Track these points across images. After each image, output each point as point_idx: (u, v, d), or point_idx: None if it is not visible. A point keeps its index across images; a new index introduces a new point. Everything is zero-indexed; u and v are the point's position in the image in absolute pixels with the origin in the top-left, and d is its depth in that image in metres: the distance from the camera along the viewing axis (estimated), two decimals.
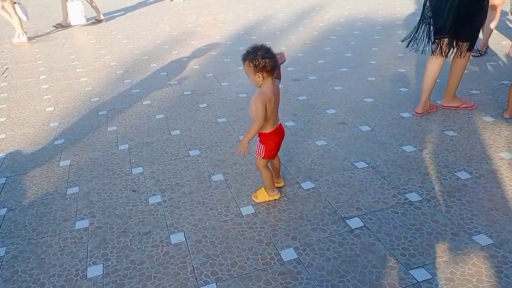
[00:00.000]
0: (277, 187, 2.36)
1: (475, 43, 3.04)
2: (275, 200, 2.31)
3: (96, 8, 7.18)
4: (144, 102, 3.85)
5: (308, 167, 2.62)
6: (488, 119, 3.07)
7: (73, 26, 7.07)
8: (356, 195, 2.32)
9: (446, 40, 2.93)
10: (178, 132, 3.22)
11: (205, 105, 3.70)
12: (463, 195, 2.26)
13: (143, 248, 2.05)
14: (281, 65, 2.15)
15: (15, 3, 6.09)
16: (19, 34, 6.25)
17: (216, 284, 1.81)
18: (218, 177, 2.59)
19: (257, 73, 1.97)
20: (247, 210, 2.27)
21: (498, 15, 4.22)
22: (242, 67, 2.14)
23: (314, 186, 2.43)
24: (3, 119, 3.69)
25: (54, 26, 7.12)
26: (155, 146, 3.04)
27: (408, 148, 2.75)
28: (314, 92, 3.79)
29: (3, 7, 6.00)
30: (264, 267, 1.88)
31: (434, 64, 3.06)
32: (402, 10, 6.71)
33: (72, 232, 2.20)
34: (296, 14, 7.03)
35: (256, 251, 1.97)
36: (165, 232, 2.15)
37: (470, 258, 1.84)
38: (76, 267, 1.96)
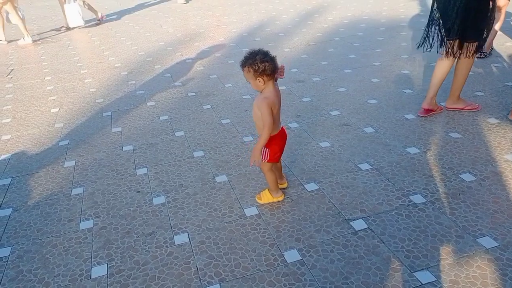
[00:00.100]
0: (280, 189, 2.36)
1: (483, 44, 3.03)
2: (278, 201, 2.32)
3: (92, 9, 7.22)
4: (149, 104, 3.86)
5: (312, 168, 2.63)
6: (493, 121, 3.06)
7: (72, 28, 7.10)
8: (360, 197, 2.32)
9: (457, 41, 2.93)
10: (182, 133, 3.24)
11: (209, 106, 3.71)
12: (467, 197, 2.26)
13: (147, 249, 2.05)
14: (283, 68, 2.14)
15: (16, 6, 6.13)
16: (24, 36, 6.29)
17: (220, 285, 1.81)
18: (222, 178, 2.59)
19: (258, 78, 1.97)
20: (251, 211, 2.27)
21: (502, 16, 4.20)
22: None
23: (318, 187, 2.43)
24: (9, 120, 3.72)
25: (57, 30, 7.15)
26: (159, 147, 3.05)
27: (412, 150, 2.75)
28: (317, 94, 3.79)
29: (2, 8, 6.04)
30: (268, 268, 1.88)
31: (444, 63, 3.06)
32: (405, 12, 6.70)
33: (77, 233, 2.21)
34: (299, 16, 7.04)
35: (260, 252, 1.98)
36: (169, 233, 2.15)
37: (474, 261, 1.84)
38: (81, 267, 1.97)
